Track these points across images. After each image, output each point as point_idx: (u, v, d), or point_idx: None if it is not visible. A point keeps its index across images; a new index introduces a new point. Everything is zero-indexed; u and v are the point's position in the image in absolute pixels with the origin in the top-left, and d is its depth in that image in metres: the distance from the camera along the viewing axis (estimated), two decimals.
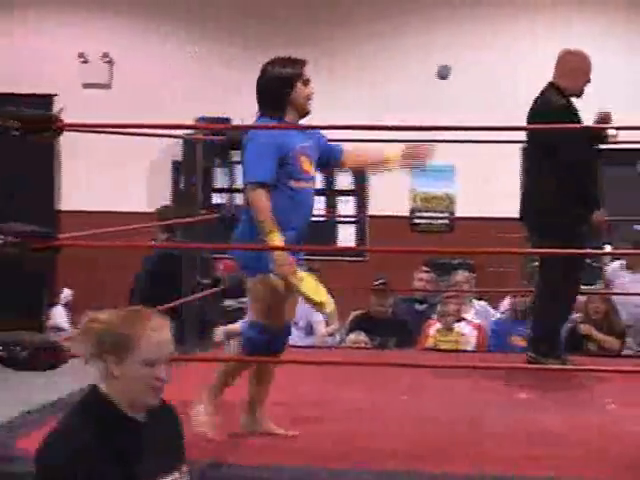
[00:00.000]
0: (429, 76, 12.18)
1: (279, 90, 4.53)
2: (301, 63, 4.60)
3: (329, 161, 4.79)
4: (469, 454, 4.52)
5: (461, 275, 9.17)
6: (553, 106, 6.14)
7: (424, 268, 9.52)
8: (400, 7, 12.43)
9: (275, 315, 4.53)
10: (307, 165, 4.58)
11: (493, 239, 10.59)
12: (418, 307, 8.98)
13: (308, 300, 4.43)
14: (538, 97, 6.27)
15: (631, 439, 4.76)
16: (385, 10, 12.42)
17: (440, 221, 12.34)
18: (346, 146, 4.95)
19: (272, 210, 4.36)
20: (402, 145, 4.86)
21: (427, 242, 11.28)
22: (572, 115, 6.07)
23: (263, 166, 4.40)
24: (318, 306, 4.52)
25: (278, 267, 4.32)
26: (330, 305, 4.63)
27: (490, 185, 11.79)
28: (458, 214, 12.18)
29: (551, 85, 6.29)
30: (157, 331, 2.78)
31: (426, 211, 12.32)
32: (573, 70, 6.25)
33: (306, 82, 4.58)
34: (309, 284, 4.43)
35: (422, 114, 11.26)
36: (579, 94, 6.25)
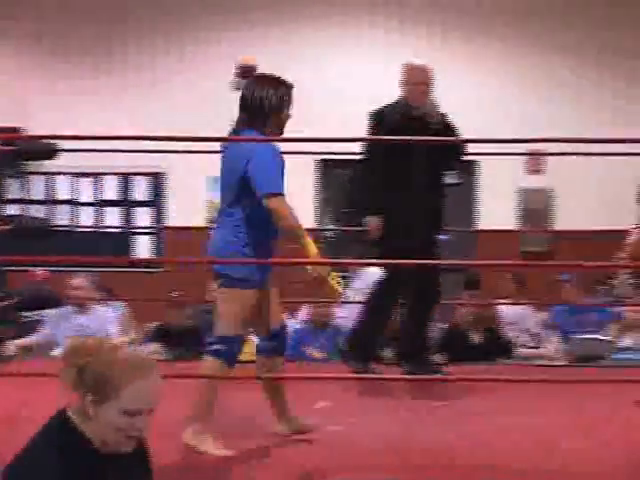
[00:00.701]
0: (229, 88, 12.32)
1: (274, 108, 4.71)
2: (291, 86, 4.78)
3: None
4: (275, 464, 4.55)
5: None
6: (370, 116, 6.33)
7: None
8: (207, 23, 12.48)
9: (236, 323, 4.68)
10: None
11: (293, 249, 10.73)
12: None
13: (333, 292, 4.67)
14: None
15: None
16: (190, 23, 12.45)
17: None
18: None
19: (267, 220, 4.54)
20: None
21: None
22: (381, 124, 6.26)
23: (279, 178, 4.57)
24: (338, 296, 4.82)
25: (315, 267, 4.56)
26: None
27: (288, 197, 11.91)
28: None
29: (401, 97, 6.43)
30: (144, 380, 2.55)
31: None
32: (407, 82, 6.36)
33: (291, 105, 4.77)
34: (334, 278, 4.69)
35: (217, 125, 11.34)
36: (420, 105, 6.33)
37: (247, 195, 4.60)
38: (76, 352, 2.58)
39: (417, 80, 6.30)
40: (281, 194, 4.54)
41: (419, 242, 6.17)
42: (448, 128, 6.22)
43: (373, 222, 6.30)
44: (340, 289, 4.74)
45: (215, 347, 4.63)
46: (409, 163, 6.18)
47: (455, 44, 12.26)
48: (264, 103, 4.70)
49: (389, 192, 6.23)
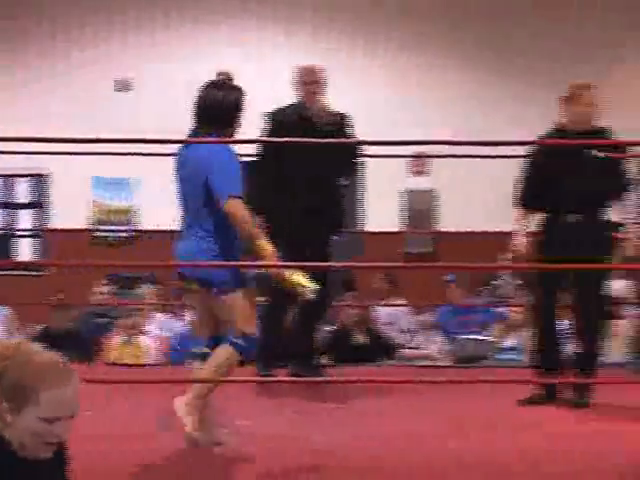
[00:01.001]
0: (109, 89, 12.20)
1: (235, 114, 4.80)
2: (243, 91, 4.85)
3: None
4: (152, 468, 4.51)
5: (145, 288, 9.16)
6: (264, 116, 6.36)
7: (104, 282, 9.42)
8: (79, 20, 12.30)
9: (254, 322, 4.73)
10: None
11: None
12: (99, 321, 8.86)
13: (300, 287, 4.74)
14: None
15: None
16: (62, 24, 12.27)
17: (122, 234, 12.23)
18: None
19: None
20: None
21: (109, 255, 11.18)
22: (273, 124, 6.28)
23: (239, 181, 4.58)
24: (309, 291, 4.78)
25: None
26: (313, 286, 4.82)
27: (173, 197, 11.84)
28: (141, 227, 12.14)
29: (298, 98, 6.43)
30: (63, 387, 2.46)
31: (107, 224, 12.19)
32: (297, 82, 6.37)
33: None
34: (296, 275, 4.76)
35: (103, 127, 11.22)
36: (310, 104, 6.32)
37: (213, 200, 4.63)
38: None
39: (306, 80, 6.32)
40: (239, 197, 4.56)
41: (306, 243, 6.17)
42: (340, 129, 6.22)
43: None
44: (306, 282, 4.77)
45: (238, 342, 4.63)
46: (298, 164, 6.19)
47: (342, 47, 12.35)
48: (223, 107, 4.78)
49: (276, 193, 6.23)
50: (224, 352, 4.61)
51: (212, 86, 4.84)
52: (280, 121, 6.29)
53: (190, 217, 4.79)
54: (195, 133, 4.81)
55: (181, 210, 4.89)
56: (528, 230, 5.96)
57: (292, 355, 6.56)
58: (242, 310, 4.67)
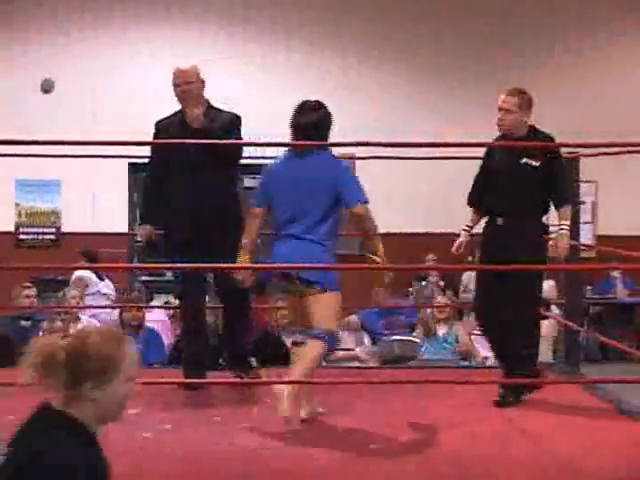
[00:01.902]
0: (33, 89, 12.08)
1: (329, 128, 5.47)
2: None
3: None
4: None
5: (72, 291, 9.07)
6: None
7: (28, 284, 9.30)
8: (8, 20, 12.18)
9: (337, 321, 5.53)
10: None
11: (102, 254, 10.60)
12: (23, 324, 8.75)
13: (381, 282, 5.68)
14: None
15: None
16: None
17: (46, 236, 12.11)
18: None
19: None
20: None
21: (33, 258, 11.06)
22: (158, 129, 6.24)
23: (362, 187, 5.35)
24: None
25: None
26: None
27: (97, 201, 11.80)
28: (64, 229, 12.04)
29: None
30: (128, 344, 2.75)
31: (32, 226, 12.06)
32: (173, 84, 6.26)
33: None
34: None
35: (26, 127, 11.11)
36: (183, 107, 6.15)
37: (336, 207, 5.32)
38: (53, 351, 2.63)
39: (176, 82, 6.19)
40: (367, 202, 5.30)
41: (198, 244, 6.06)
42: (227, 132, 6.03)
43: (142, 230, 6.37)
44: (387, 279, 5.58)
45: (324, 336, 5.21)
46: (177, 168, 6.12)
47: (271, 46, 12.37)
48: (324, 125, 5.41)
49: (165, 197, 6.20)
50: (317, 345, 5.22)
51: (314, 106, 5.43)
52: (163, 128, 6.20)
53: (301, 223, 5.31)
54: (309, 151, 5.34)
55: (283, 215, 5.37)
56: (471, 230, 6.01)
57: (229, 357, 6.53)
58: (333, 309, 5.32)
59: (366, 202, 5.29)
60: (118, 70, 12.12)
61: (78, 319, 8.55)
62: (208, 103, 6.24)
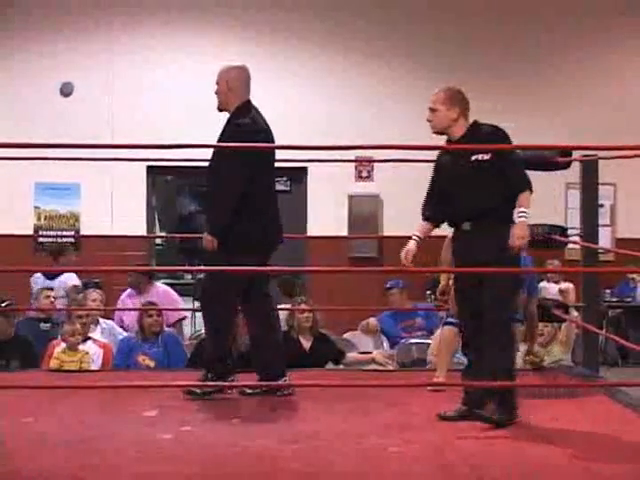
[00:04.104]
0: (53, 93, 12.12)
1: None
2: None
3: None
4: (99, 472, 4.50)
5: (92, 293, 9.09)
6: None
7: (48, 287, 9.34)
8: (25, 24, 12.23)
9: None
10: None
11: (119, 257, 10.62)
12: (43, 326, 8.78)
13: None
14: None
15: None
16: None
17: (65, 239, 12.15)
18: None
19: None
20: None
21: (52, 261, 11.09)
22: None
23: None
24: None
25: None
26: None
27: (116, 204, 11.84)
28: (83, 232, 12.08)
29: None
30: None
31: (51, 229, 12.11)
32: None
33: None
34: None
35: (45, 131, 11.17)
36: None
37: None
38: None
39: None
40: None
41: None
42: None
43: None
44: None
45: (454, 321, 6.24)
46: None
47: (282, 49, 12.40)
48: None
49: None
50: (445, 332, 6.61)
51: None
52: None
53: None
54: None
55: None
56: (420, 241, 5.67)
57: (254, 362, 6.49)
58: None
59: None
60: (136, 73, 12.14)
61: (97, 322, 8.58)
62: None
